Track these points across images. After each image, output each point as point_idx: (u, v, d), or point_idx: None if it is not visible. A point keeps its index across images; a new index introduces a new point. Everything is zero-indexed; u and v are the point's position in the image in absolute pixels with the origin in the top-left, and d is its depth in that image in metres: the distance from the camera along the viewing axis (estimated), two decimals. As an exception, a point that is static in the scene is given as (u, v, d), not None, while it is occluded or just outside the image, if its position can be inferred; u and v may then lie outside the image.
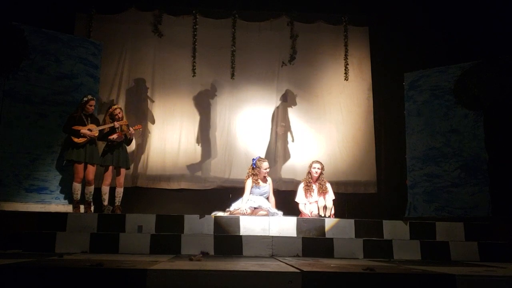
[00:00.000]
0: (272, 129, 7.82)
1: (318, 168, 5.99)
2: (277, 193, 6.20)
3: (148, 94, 7.74)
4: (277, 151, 7.76)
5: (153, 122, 7.67)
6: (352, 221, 5.06)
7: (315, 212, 5.79)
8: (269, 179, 5.97)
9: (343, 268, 3.10)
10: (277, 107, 7.89)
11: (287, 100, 7.89)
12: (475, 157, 6.30)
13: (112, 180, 6.02)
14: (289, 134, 7.82)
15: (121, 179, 6.03)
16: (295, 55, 7.96)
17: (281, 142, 7.79)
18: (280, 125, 7.85)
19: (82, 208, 5.83)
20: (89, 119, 5.87)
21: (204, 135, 7.73)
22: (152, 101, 7.71)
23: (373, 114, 7.93)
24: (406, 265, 3.70)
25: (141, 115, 7.67)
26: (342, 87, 7.99)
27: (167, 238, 4.58)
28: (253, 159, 6.07)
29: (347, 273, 2.84)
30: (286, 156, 7.76)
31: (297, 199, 6.03)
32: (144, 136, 7.61)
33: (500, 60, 6.19)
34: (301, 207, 5.97)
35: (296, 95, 7.91)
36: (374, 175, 7.71)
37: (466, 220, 5.64)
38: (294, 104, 7.89)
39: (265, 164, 5.87)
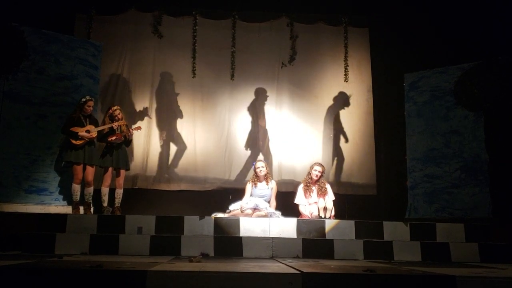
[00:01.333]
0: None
1: (319, 172, 5.96)
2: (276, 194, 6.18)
3: (150, 94, 7.74)
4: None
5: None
6: (352, 222, 5.06)
7: (315, 213, 5.78)
8: (272, 183, 5.95)
9: (343, 270, 3.10)
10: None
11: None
12: (475, 158, 6.30)
13: (112, 181, 6.01)
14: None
15: (120, 180, 6.01)
16: (295, 56, 7.95)
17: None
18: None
19: (81, 210, 5.82)
20: (87, 120, 5.85)
21: (204, 136, 7.72)
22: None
23: (373, 115, 7.92)
24: (407, 266, 3.69)
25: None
26: (342, 88, 7.98)
27: (167, 240, 4.58)
28: (253, 163, 6.10)
29: (347, 274, 2.84)
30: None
31: (296, 201, 6.01)
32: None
33: (500, 61, 6.19)
34: (301, 208, 5.96)
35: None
36: (373, 177, 7.69)
37: (467, 221, 5.66)
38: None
39: (258, 164, 5.95)
